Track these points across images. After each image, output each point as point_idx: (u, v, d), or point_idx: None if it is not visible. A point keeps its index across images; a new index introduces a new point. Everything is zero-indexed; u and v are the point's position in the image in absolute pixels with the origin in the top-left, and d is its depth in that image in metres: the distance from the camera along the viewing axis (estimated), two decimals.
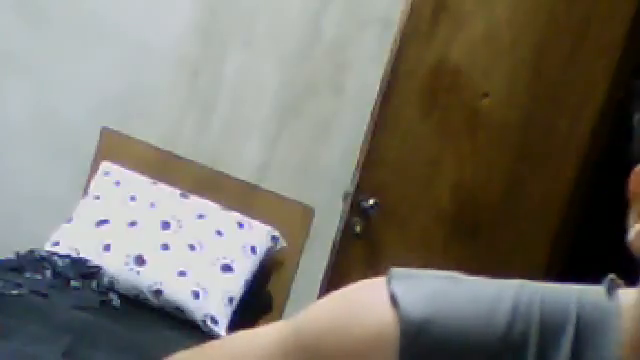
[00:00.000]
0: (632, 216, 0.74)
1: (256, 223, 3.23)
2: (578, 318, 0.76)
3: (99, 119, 3.42)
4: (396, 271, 0.80)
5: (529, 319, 0.75)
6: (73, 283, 2.91)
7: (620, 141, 0.81)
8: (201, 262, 3.06)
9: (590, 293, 0.78)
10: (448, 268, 0.83)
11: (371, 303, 0.78)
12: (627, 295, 0.76)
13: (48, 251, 3.05)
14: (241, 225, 3.21)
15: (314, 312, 0.82)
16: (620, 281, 0.78)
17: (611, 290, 0.77)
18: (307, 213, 3.30)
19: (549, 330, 0.75)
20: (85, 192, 3.33)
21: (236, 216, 3.23)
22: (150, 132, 3.39)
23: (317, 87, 3.30)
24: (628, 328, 0.74)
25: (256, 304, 3.23)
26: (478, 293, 0.78)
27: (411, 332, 0.75)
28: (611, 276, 0.78)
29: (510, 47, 2.76)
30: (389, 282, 0.79)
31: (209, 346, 0.90)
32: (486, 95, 2.77)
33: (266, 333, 0.85)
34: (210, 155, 3.37)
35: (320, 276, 2.87)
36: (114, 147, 3.41)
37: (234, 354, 0.86)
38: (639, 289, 0.73)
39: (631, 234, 0.73)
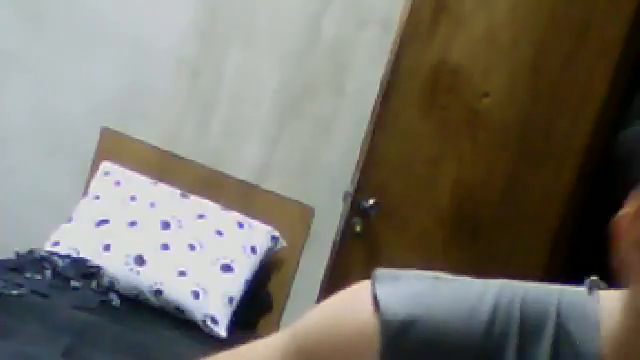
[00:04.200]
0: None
1: (256, 223, 3.23)
2: (558, 317, 0.77)
3: (99, 119, 3.42)
4: (380, 272, 0.81)
5: (509, 318, 0.76)
6: (73, 283, 2.91)
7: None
8: (201, 262, 3.06)
9: (570, 293, 0.79)
10: (448, 267, 0.83)
11: (355, 305, 0.80)
12: (608, 296, 0.77)
13: (48, 251, 3.05)
14: (241, 225, 3.21)
15: (308, 317, 0.85)
16: (602, 282, 0.79)
17: (592, 290, 0.78)
18: (307, 213, 3.29)
19: (529, 329, 0.76)
20: (85, 192, 3.33)
21: (236, 216, 3.23)
22: (150, 132, 3.40)
23: (317, 87, 3.30)
24: (609, 327, 0.75)
25: (256, 304, 3.23)
26: (459, 294, 0.79)
27: (391, 333, 0.76)
28: (592, 277, 0.79)
29: (510, 47, 2.76)
30: (373, 284, 0.79)
31: (218, 357, 0.91)
32: (486, 95, 2.78)
33: (268, 341, 0.88)
34: (210, 155, 3.37)
35: (320, 276, 2.87)
36: (114, 147, 3.41)
37: None
38: (626, 293, 0.74)
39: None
